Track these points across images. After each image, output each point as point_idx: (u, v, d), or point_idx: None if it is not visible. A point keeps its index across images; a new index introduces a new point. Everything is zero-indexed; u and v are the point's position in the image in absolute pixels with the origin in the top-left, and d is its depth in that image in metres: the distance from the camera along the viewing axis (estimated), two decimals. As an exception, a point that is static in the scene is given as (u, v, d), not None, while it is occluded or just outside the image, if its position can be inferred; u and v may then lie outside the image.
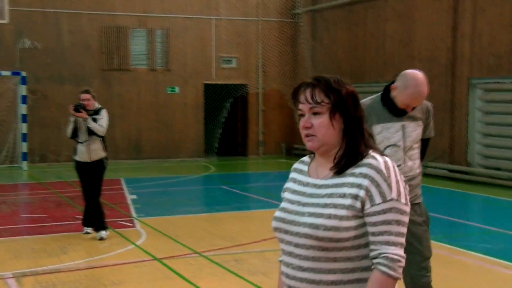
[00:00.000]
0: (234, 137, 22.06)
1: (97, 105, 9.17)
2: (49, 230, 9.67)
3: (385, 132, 4.40)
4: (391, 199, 2.25)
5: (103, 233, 8.96)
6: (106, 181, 15.12)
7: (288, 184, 2.54)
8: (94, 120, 8.91)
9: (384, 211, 2.25)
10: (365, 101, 4.43)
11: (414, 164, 4.46)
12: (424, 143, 4.59)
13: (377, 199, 2.25)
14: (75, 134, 8.99)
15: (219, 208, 11.71)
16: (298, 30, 21.36)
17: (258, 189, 14.75)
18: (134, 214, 10.90)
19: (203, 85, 20.63)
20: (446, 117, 15.44)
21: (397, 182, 2.29)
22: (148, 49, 20.12)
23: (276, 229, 2.44)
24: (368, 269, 2.29)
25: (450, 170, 14.99)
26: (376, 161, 2.30)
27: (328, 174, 2.37)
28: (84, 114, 8.85)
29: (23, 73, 18.31)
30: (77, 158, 9.09)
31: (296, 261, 2.34)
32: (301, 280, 2.32)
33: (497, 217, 10.84)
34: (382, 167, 2.28)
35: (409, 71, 4.37)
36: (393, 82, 4.39)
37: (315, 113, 2.34)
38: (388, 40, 17.72)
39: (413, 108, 4.41)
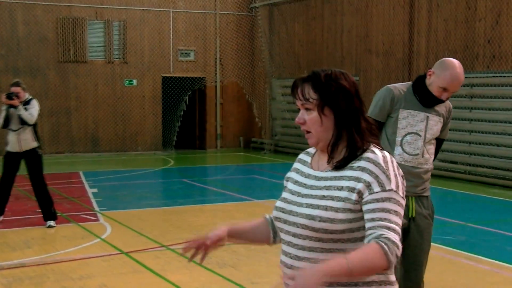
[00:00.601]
0: (192, 130, 22.01)
1: (27, 95, 9.33)
2: (10, 224, 9.52)
3: (410, 118, 4.40)
4: (390, 190, 2.28)
5: (52, 222, 9.25)
6: (64, 175, 15.22)
7: (291, 174, 2.58)
8: (25, 110, 9.09)
9: (383, 199, 2.27)
10: (397, 84, 4.48)
11: (430, 158, 4.49)
12: (438, 143, 4.59)
13: (376, 188, 2.28)
14: (7, 123, 9.15)
15: (181, 202, 11.70)
16: (256, 23, 21.41)
17: (219, 182, 14.78)
18: (96, 207, 10.81)
19: (161, 78, 20.53)
20: (403, 111, 15.70)
21: (396, 175, 2.32)
22: (105, 41, 19.89)
23: (276, 219, 2.48)
24: None
25: (407, 163, 15.29)
26: (374, 155, 2.34)
27: (327, 166, 2.42)
28: (16, 102, 9.03)
29: (-23, 65, 17.95)
30: (8, 148, 9.24)
31: (293, 251, 2.39)
32: (298, 269, 2.34)
33: (455, 209, 11.10)
34: (381, 160, 2.32)
35: (447, 58, 4.40)
36: (425, 75, 4.41)
37: (307, 109, 2.39)
38: (345, 34, 17.91)
39: (441, 102, 4.40)
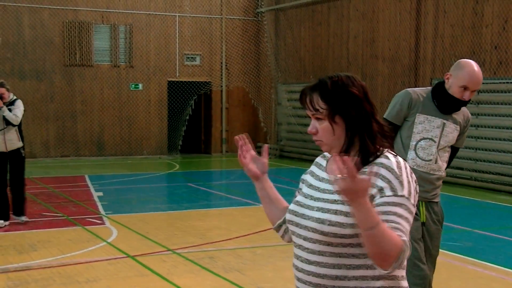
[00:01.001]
0: (197, 135, 22.02)
1: (12, 96, 9.48)
2: (15, 227, 9.53)
3: (426, 123, 4.38)
4: (402, 196, 2.26)
5: (23, 218, 9.59)
6: (70, 178, 15.23)
7: (306, 177, 2.57)
8: (10, 110, 9.20)
9: (394, 204, 2.24)
10: (416, 89, 4.48)
11: (443, 165, 4.47)
12: (453, 151, 4.57)
13: (388, 192, 2.26)
14: None
15: (187, 206, 11.70)
16: (262, 28, 21.43)
17: (224, 187, 14.77)
18: (102, 211, 10.81)
19: (166, 82, 20.55)
20: (409, 117, 15.70)
21: (409, 182, 2.30)
22: (111, 45, 19.93)
23: (289, 222, 2.47)
24: (373, 266, 2.29)
25: (413, 169, 15.26)
26: (388, 160, 2.32)
27: None
28: (0, 103, 9.14)
29: (-17, 68, 18.01)
30: None
31: (304, 254, 2.38)
32: (308, 273, 2.36)
33: (461, 216, 11.06)
34: (394, 166, 2.30)
35: (462, 59, 4.42)
36: (443, 81, 4.40)
37: (318, 119, 2.38)
38: (351, 39, 17.91)
39: (459, 106, 4.37)
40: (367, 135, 2.36)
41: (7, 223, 9.56)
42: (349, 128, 2.35)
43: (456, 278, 7.09)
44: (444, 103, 4.37)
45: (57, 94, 19.30)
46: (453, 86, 4.30)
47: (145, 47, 20.22)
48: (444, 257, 7.85)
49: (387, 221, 2.22)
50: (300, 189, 2.56)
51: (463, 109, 4.49)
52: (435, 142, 4.40)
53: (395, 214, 2.24)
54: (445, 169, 4.55)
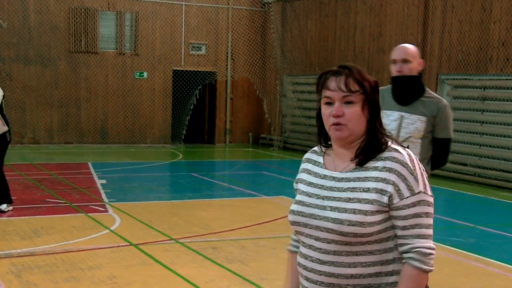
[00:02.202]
0: (201, 125, 21.99)
1: None
2: (19, 212, 9.53)
3: (385, 119, 4.43)
4: (419, 192, 2.26)
5: (4, 206, 9.42)
6: (73, 165, 15.23)
7: (302, 175, 2.50)
8: None
9: (413, 204, 2.25)
10: (382, 87, 4.54)
11: None
12: (436, 143, 4.57)
13: (406, 193, 2.25)
14: None
15: (190, 195, 11.69)
16: (268, 19, 21.37)
17: (227, 177, 14.76)
18: (105, 198, 10.81)
19: (171, 71, 20.51)
20: (414, 112, 15.66)
21: (422, 174, 2.30)
22: (117, 33, 19.89)
23: (294, 223, 2.39)
24: (388, 262, 2.29)
25: (416, 164, 15.21)
26: (400, 154, 2.29)
27: (347, 166, 2.34)
28: None
29: (-12, 52, 17.99)
30: None
31: (315, 254, 2.32)
32: (320, 273, 2.31)
33: (464, 212, 11.05)
34: (407, 160, 2.28)
35: None
36: None
37: (347, 102, 2.30)
38: (358, 33, 17.85)
39: (405, 87, 4.50)
40: (379, 125, 2.36)
41: (10, 207, 9.55)
42: (372, 116, 2.33)
43: (459, 274, 7.07)
44: (395, 91, 4.52)
45: (61, 80, 19.27)
46: (391, 68, 4.54)
47: (150, 35, 20.18)
48: (447, 253, 7.84)
49: (405, 227, 2.26)
50: (298, 189, 2.49)
51: (434, 99, 4.55)
52: (394, 134, 4.49)
53: (414, 216, 2.26)
54: (434, 163, 4.56)
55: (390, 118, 4.50)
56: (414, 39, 15.85)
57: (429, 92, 4.65)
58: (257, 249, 7.80)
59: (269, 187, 13.02)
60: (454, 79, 14.99)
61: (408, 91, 4.54)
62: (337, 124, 2.30)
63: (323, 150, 2.46)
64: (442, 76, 15.21)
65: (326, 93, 2.31)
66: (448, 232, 9.20)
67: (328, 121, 2.33)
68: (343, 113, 2.29)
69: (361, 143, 2.34)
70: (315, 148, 2.51)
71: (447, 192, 12.98)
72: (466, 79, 14.68)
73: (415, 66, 4.49)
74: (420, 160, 4.41)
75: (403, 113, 4.49)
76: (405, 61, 4.45)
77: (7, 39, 18.60)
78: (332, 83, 2.31)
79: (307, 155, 2.53)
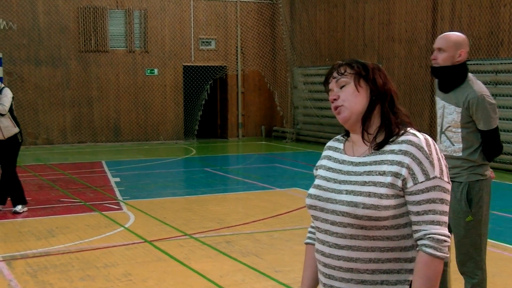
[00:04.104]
0: (213, 120, 22.00)
1: (0, 84, 9.47)
2: (34, 213, 9.58)
3: (436, 105, 4.63)
4: (434, 177, 2.24)
5: (19, 207, 9.45)
6: (87, 164, 15.30)
7: (322, 162, 2.51)
8: None
9: (428, 189, 2.23)
10: None
11: (453, 146, 4.47)
12: (481, 134, 4.47)
13: (420, 177, 2.23)
14: None
15: (204, 190, 11.69)
16: (277, 11, 21.30)
17: (241, 171, 14.74)
18: (119, 196, 10.84)
19: (182, 67, 20.52)
20: (426, 98, 15.57)
21: (439, 159, 2.27)
22: (126, 30, 19.91)
23: (311, 207, 2.40)
24: (407, 249, 2.29)
25: (430, 151, 15.13)
26: (416, 138, 2.27)
27: (365, 151, 2.36)
28: None
29: (-1, 55, 18.09)
30: None
31: (332, 239, 2.31)
32: (338, 257, 2.30)
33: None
34: (424, 144, 2.26)
35: None
36: None
37: (342, 86, 2.37)
38: (367, 21, 17.75)
39: (442, 76, 4.50)
40: (390, 107, 2.36)
41: (25, 208, 9.59)
42: (372, 94, 2.35)
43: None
44: (440, 80, 4.54)
45: (73, 80, 19.33)
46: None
47: (160, 32, 20.19)
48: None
49: (419, 212, 2.24)
50: (318, 175, 2.49)
51: (467, 91, 4.40)
52: (438, 123, 4.54)
53: (428, 201, 2.24)
54: (486, 155, 4.51)
55: (437, 106, 4.53)
56: (423, 26, 15.75)
57: (469, 81, 4.46)
58: (271, 242, 7.79)
59: (282, 179, 13.00)
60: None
61: (443, 80, 4.50)
62: (336, 107, 2.38)
63: (345, 138, 2.50)
64: (453, 62, 15.08)
65: (329, 87, 2.44)
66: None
67: (332, 108, 2.41)
68: (338, 96, 2.38)
69: (364, 120, 2.36)
70: (338, 136, 2.56)
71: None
72: (477, 64, 14.56)
73: (450, 55, 4.35)
74: (464, 149, 4.40)
75: (444, 103, 4.46)
76: (440, 50, 4.39)
77: (17, 40, 18.68)
78: (330, 77, 2.43)
79: (329, 143, 2.57)
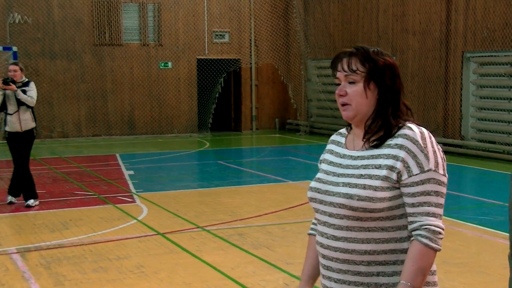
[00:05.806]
0: (227, 113, 22.02)
1: (24, 77, 9.57)
2: (48, 206, 9.67)
3: None
4: (429, 170, 2.25)
5: (31, 201, 9.51)
6: (101, 157, 15.40)
7: (325, 155, 2.55)
8: (24, 92, 9.30)
9: (422, 182, 2.25)
10: None
11: None
12: None
13: (415, 170, 2.25)
14: (3, 106, 9.41)
15: (217, 183, 11.74)
16: (290, 4, 21.25)
17: (254, 163, 14.78)
18: (133, 189, 10.91)
19: (196, 60, 20.55)
20: (440, 91, 15.50)
21: (434, 152, 2.28)
22: (140, 24, 19.97)
23: (311, 199, 2.45)
24: (402, 240, 2.31)
25: (444, 144, 15.05)
26: (412, 131, 2.29)
27: (363, 146, 2.39)
28: (13, 87, 9.27)
29: (14, 48, 18.17)
30: (8, 129, 9.49)
31: (330, 231, 2.35)
32: (335, 249, 2.34)
33: (494, 190, 10.93)
34: (419, 137, 2.28)
35: None
36: None
37: (350, 82, 2.35)
38: (381, 13, 17.68)
39: None
40: (394, 109, 2.36)
41: (37, 202, 9.67)
42: (382, 97, 2.35)
43: (487, 252, 7.01)
44: None
45: (87, 73, 19.43)
46: None
47: (173, 25, 20.22)
48: (475, 231, 7.79)
49: (414, 204, 2.26)
50: (320, 169, 2.53)
51: None
52: None
53: (422, 193, 2.26)
54: None
55: None
56: (438, 18, 15.66)
57: None
58: (283, 234, 7.82)
59: (296, 172, 13.02)
60: (480, 56, 14.80)
61: None
62: (343, 104, 2.38)
63: (348, 131, 2.52)
64: (467, 54, 15.02)
65: (336, 73, 2.40)
66: (476, 211, 9.14)
67: (337, 101, 2.41)
68: (346, 92, 2.36)
69: (369, 123, 2.37)
70: (341, 130, 2.58)
71: (476, 170, 12.86)
72: (492, 56, 14.48)
73: None
74: None
75: None
76: None
77: (32, 34, 18.79)
78: (339, 64, 2.39)
79: (333, 137, 2.60)
